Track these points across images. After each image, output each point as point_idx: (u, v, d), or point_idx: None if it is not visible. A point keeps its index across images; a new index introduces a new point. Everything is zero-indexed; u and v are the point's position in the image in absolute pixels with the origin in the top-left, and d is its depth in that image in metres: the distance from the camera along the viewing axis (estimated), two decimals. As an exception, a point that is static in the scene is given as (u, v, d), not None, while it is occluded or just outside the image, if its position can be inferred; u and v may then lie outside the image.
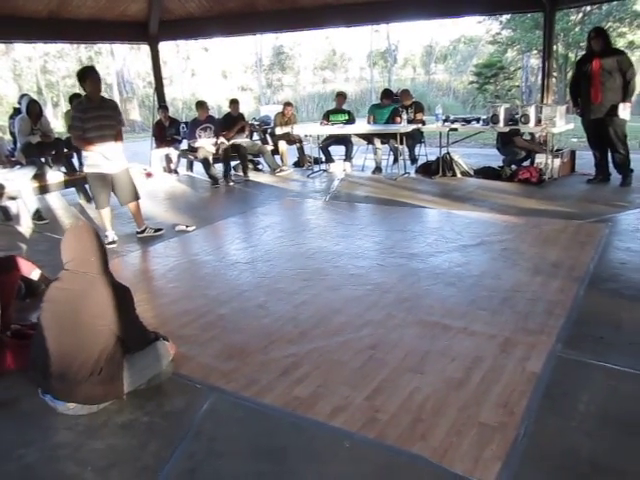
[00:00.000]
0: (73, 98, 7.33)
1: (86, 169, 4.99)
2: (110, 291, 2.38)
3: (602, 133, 6.23)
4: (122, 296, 2.43)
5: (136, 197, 5.19)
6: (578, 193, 6.17)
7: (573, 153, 7.46)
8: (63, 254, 2.45)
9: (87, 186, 6.99)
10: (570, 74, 19.06)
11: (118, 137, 5.02)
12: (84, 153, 4.93)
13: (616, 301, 3.23)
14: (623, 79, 5.98)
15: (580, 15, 17.90)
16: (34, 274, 3.49)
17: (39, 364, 2.38)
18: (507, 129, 6.91)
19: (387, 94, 8.79)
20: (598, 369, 2.52)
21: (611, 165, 6.47)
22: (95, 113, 4.73)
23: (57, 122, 18.09)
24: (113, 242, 5.08)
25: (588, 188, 6.40)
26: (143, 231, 5.31)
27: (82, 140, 4.78)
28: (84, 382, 2.31)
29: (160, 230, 5.38)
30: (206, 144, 8.16)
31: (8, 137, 8.88)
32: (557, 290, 3.45)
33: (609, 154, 6.39)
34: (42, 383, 2.41)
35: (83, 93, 4.96)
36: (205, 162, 8.11)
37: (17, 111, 7.99)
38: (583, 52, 19.24)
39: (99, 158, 4.81)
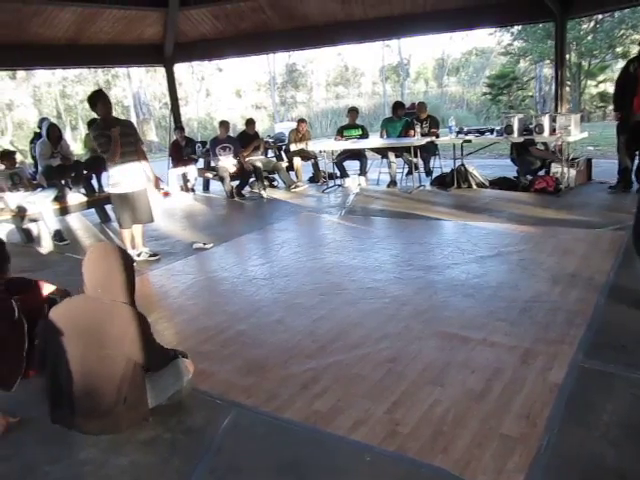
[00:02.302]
0: (91, 123, 7.49)
1: (110, 189, 5.06)
2: (135, 323, 2.31)
3: (636, 140, 6.09)
4: (144, 325, 2.36)
5: (152, 219, 5.25)
6: (596, 201, 6.12)
7: (589, 161, 7.41)
8: (89, 278, 2.35)
9: (107, 206, 7.15)
10: (584, 82, 19.01)
11: (141, 156, 5.10)
12: (109, 172, 4.99)
13: (637, 309, 3.19)
14: None
15: (592, 23, 17.86)
16: (49, 289, 3.49)
17: (65, 400, 2.31)
18: (521, 139, 6.89)
19: (400, 105, 8.84)
20: (621, 378, 2.49)
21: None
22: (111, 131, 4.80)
23: (76, 145, 18.44)
24: (133, 261, 5.14)
25: (606, 196, 6.34)
26: (139, 254, 5.29)
27: (114, 153, 4.76)
28: (111, 413, 2.28)
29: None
30: (227, 164, 8.38)
31: (30, 161, 9.09)
32: (577, 299, 3.42)
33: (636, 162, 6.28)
34: (67, 419, 2.34)
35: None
36: (222, 179, 8.33)
37: (38, 135, 8.19)
38: (597, 61, 19.13)
39: (122, 177, 4.90)
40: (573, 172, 6.92)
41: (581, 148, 9.70)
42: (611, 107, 13.78)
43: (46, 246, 6.01)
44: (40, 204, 6.24)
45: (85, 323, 2.31)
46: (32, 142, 8.70)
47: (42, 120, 8.30)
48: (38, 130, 8.51)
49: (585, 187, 6.95)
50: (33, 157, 8.22)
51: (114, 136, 4.71)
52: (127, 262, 2.45)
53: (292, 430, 2.33)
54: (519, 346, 2.87)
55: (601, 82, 19.55)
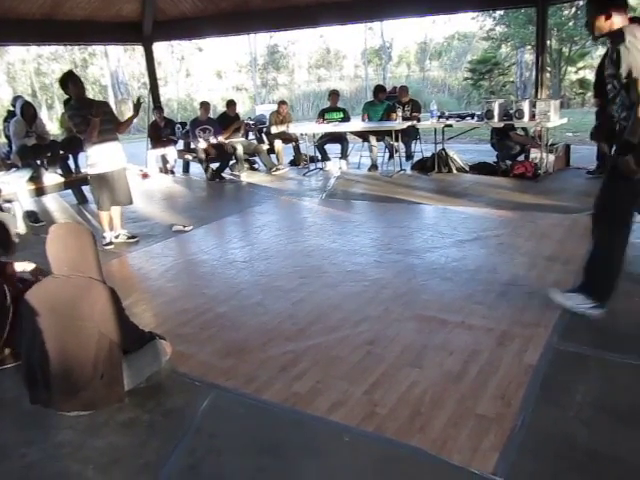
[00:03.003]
0: (68, 101, 7.33)
1: (88, 170, 4.96)
2: (105, 295, 2.32)
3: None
4: (115, 299, 2.37)
5: (131, 201, 5.17)
6: (574, 187, 6.20)
7: (568, 147, 7.50)
8: (56, 257, 2.35)
9: (83, 187, 7.04)
10: (564, 69, 19.12)
11: (122, 127, 5.05)
12: (86, 153, 4.90)
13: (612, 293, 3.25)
14: None
15: (573, 10, 17.93)
16: (27, 266, 3.39)
17: (40, 378, 2.32)
18: (501, 124, 6.93)
19: (381, 89, 8.83)
20: (595, 360, 2.54)
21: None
22: (87, 111, 4.68)
23: (52, 124, 18.04)
24: (110, 243, 5.09)
25: (583, 182, 6.42)
26: (117, 236, 5.23)
27: (91, 131, 4.67)
28: (85, 389, 2.29)
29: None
30: (206, 146, 8.29)
31: (3, 140, 8.87)
32: (553, 283, 3.46)
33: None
34: (44, 398, 2.36)
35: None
36: (202, 161, 8.28)
37: (11, 114, 7.97)
38: (577, 47, 19.21)
39: (100, 157, 4.81)
40: (552, 158, 7.00)
41: (560, 134, 9.79)
42: (590, 94, 13.90)
43: (21, 227, 5.90)
44: (15, 184, 6.11)
45: (57, 301, 2.31)
46: (5, 121, 8.44)
47: (16, 98, 8.05)
48: (12, 109, 8.28)
49: (563, 173, 7.03)
50: (7, 136, 7.99)
51: (94, 121, 4.62)
52: (93, 239, 2.47)
53: (271, 411, 2.34)
54: (496, 329, 2.91)
55: (581, 69, 19.70)
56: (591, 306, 2.90)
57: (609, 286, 2.89)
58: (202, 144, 8.31)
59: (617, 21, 2.56)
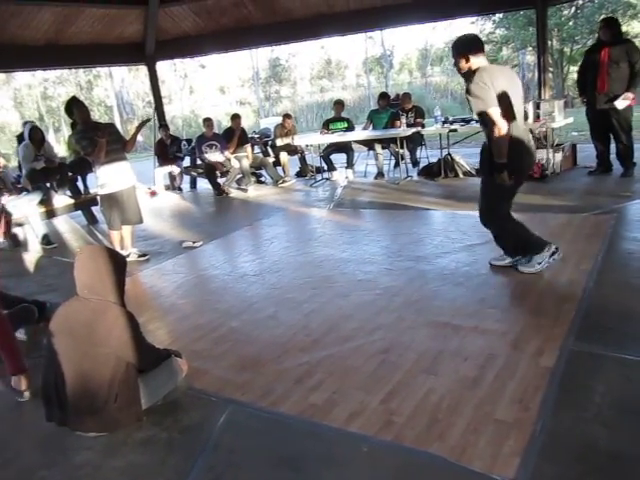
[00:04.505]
0: (75, 125, 7.42)
1: (99, 190, 5.00)
2: (122, 320, 2.32)
3: (606, 124, 6.18)
4: (132, 324, 2.37)
5: (141, 220, 5.19)
6: (581, 186, 6.17)
7: (574, 147, 7.46)
8: (78, 279, 2.39)
9: (93, 208, 7.10)
10: (567, 68, 19.11)
11: (128, 145, 5.06)
12: (96, 173, 4.94)
13: (625, 291, 3.23)
14: (631, 69, 5.85)
15: (573, 9, 17.96)
16: None
17: (54, 398, 2.35)
18: (506, 127, 6.91)
19: (383, 96, 8.88)
20: (611, 360, 2.52)
21: (612, 156, 6.45)
22: (93, 134, 4.71)
23: (60, 147, 18.25)
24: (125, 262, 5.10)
25: (591, 181, 6.39)
26: (128, 255, 5.23)
27: (98, 152, 4.69)
28: (100, 412, 2.30)
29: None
30: (215, 160, 8.39)
31: (14, 164, 8.98)
32: (566, 284, 3.45)
33: (612, 145, 6.35)
34: (58, 417, 2.38)
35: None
36: (210, 174, 8.36)
37: (21, 138, 8.08)
38: (579, 46, 19.24)
39: (109, 177, 4.85)
40: (558, 158, 6.97)
41: (566, 134, 9.75)
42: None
43: (33, 250, 5.96)
44: (26, 208, 6.18)
45: (76, 323, 2.34)
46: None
47: (25, 123, 8.18)
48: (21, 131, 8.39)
49: (570, 172, 7.00)
50: (18, 161, 8.12)
51: (101, 143, 4.66)
52: (116, 263, 2.45)
53: (288, 424, 2.34)
54: (510, 332, 2.89)
55: (583, 67, 19.68)
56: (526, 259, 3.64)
57: (531, 241, 3.61)
58: (210, 158, 8.38)
59: (475, 62, 2.83)
